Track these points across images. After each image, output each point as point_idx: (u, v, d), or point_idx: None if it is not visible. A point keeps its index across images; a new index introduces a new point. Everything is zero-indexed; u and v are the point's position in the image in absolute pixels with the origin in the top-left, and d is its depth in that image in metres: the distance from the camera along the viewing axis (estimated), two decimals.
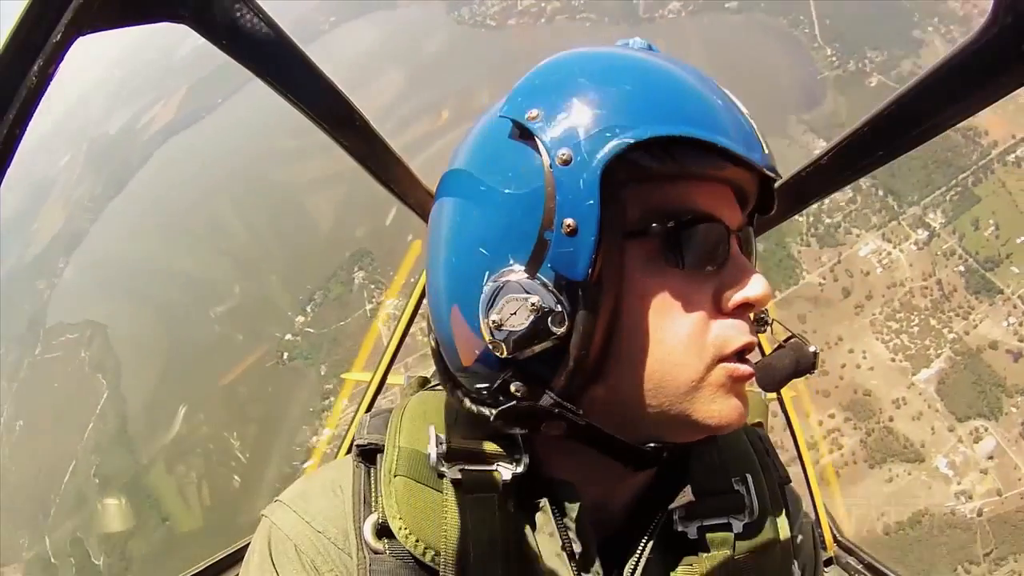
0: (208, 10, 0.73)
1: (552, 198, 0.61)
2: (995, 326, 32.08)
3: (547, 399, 0.65)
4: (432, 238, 0.73)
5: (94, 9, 0.56)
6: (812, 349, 0.70)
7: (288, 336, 41.31)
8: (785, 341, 0.72)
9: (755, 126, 0.67)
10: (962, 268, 33.33)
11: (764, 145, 0.66)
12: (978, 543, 28.14)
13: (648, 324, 0.64)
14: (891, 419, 32.02)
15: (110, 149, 61.68)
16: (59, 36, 0.53)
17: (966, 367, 31.76)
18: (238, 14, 0.77)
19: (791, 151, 38.24)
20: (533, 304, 0.61)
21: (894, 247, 34.91)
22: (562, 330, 0.62)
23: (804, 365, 0.70)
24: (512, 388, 0.66)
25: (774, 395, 2.58)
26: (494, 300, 0.63)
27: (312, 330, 40.95)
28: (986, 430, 30.45)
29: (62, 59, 0.53)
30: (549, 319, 0.61)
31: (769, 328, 0.78)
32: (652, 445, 0.70)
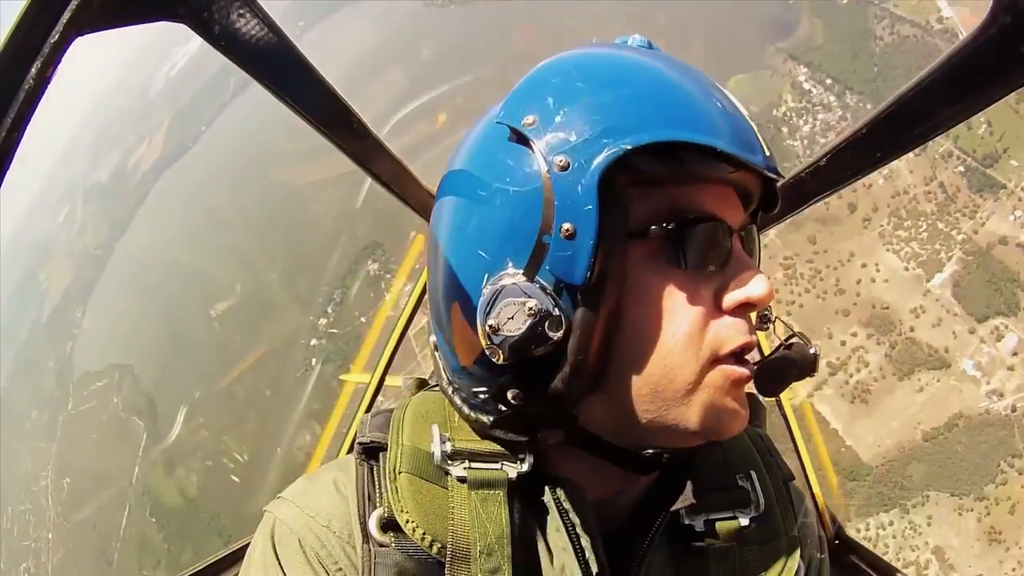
0: (208, 9, 0.73)
1: (550, 203, 0.62)
2: (1002, 221, 32.19)
3: (543, 406, 0.66)
4: (432, 239, 0.74)
5: (93, 9, 0.55)
6: (812, 351, 0.71)
7: (313, 341, 41.26)
8: (786, 340, 0.72)
9: (756, 127, 0.68)
10: (962, 168, 33.36)
11: (764, 146, 0.67)
12: (1016, 437, 28.54)
13: (648, 325, 0.65)
14: (912, 329, 32.31)
15: (106, 195, 61.89)
16: (58, 36, 0.52)
17: (979, 266, 31.94)
18: (238, 14, 0.77)
19: (774, 82, 38.22)
20: (531, 308, 0.61)
21: None
22: (559, 334, 0.62)
23: (804, 367, 0.71)
24: (509, 395, 0.67)
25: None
26: (492, 304, 0.63)
27: (336, 330, 40.97)
28: (1007, 327, 30.69)
29: (61, 59, 0.52)
30: (546, 323, 0.62)
31: (772, 326, 0.78)
32: (652, 451, 0.71)
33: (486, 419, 0.71)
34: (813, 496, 2.63)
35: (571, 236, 0.61)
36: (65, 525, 46.53)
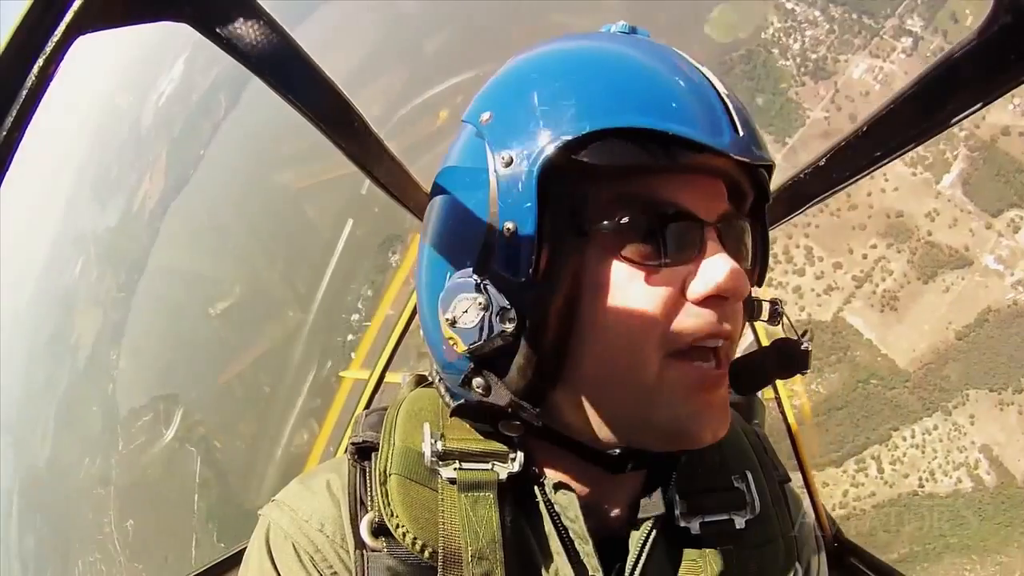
0: (210, 9, 0.75)
1: (495, 202, 0.62)
2: (1002, 112, 32.22)
3: (503, 397, 0.66)
4: (421, 238, 0.76)
5: (95, 9, 0.56)
6: (804, 347, 0.70)
7: (350, 337, 41.25)
8: (800, 338, 0.71)
9: (733, 107, 0.64)
10: None
11: (738, 128, 0.63)
12: None
13: (605, 319, 0.64)
14: (929, 233, 32.58)
15: (118, 239, 62.13)
16: (59, 36, 0.52)
17: (985, 161, 32.07)
18: (240, 14, 0.79)
19: (757, 6, 37.90)
20: (481, 302, 0.63)
21: (884, 61, 34.90)
22: (511, 328, 0.63)
23: (790, 365, 0.70)
24: (474, 383, 0.68)
25: (771, 395, 2.67)
26: (449, 299, 0.65)
27: (370, 323, 40.72)
28: (1022, 218, 30.92)
29: (62, 59, 0.52)
30: (498, 317, 0.63)
31: (782, 320, 0.76)
32: (624, 450, 0.69)
33: (453, 405, 0.73)
34: (812, 497, 2.64)
35: (513, 234, 0.62)
36: (136, 567, 46.95)
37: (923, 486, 29.88)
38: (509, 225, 0.62)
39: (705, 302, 0.64)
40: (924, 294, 32.15)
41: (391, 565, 0.69)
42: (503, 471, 0.71)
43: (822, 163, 1.14)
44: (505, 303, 0.63)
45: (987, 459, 29.41)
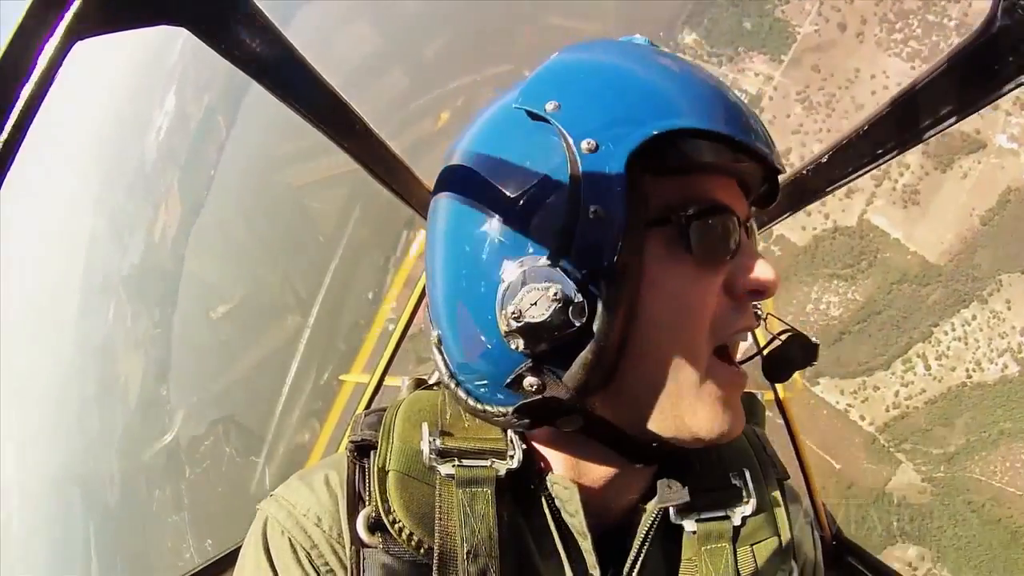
0: (207, 13, 0.74)
1: (577, 185, 0.61)
2: None
3: (565, 394, 0.65)
4: (436, 232, 0.73)
5: (93, 14, 0.56)
6: (815, 341, 0.76)
7: (390, 328, 41.46)
8: (781, 334, 0.77)
9: (761, 120, 0.70)
10: None
11: (770, 139, 0.69)
12: None
13: (662, 314, 0.65)
14: None
15: (144, 276, 62.45)
16: (58, 42, 0.52)
17: None
18: (237, 17, 0.78)
19: None
20: (555, 294, 0.60)
21: None
22: (582, 321, 0.61)
23: (809, 357, 0.77)
24: (525, 383, 0.66)
25: (771, 395, 2.72)
26: (513, 291, 0.62)
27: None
28: None
29: (60, 65, 0.52)
30: (570, 309, 0.61)
31: (763, 322, 0.80)
32: (657, 444, 0.71)
33: (501, 409, 0.70)
34: (811, 496, 2.63)
35: (600, 220, 0.61)
36: None
37: (971, 376, 30.12)
38: (596, 209, 0.61)
39: (744, 297, 0.69)
40: (943, 183, 32.07)
41: (386, 562, 0.70)
42: (502, 467, 0.72)
43: (824, 160, 1.16)
44: (576, 294, 0.62)
45: None
